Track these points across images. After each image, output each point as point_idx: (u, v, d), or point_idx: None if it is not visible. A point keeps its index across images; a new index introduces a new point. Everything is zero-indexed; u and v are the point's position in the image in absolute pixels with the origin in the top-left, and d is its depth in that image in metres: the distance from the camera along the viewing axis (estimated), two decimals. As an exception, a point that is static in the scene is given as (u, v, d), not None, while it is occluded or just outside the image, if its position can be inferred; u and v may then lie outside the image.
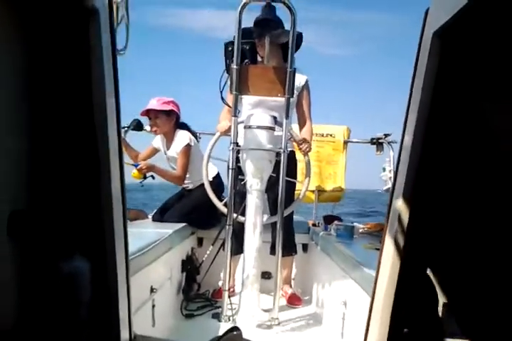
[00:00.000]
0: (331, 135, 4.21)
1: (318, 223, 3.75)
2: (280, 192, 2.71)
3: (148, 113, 3.41)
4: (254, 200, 2.67)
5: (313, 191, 4.08)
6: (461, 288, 1.03)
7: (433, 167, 0.98)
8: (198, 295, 3.20)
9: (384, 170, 3.89)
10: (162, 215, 3.41)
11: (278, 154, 2.70)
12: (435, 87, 0.92)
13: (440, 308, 1.04)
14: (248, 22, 2.85)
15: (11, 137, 0.85)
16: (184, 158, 3.36)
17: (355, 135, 4.38)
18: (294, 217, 3.27)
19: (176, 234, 2.78)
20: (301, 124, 3.17)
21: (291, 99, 2.70)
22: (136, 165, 3.26)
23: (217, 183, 3.34)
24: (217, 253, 3.11)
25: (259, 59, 2.88)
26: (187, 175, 3.44)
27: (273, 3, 2.69)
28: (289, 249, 3.12)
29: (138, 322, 1.79)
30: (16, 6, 0.81)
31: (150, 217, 3.60)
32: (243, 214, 2.75)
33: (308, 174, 3.02)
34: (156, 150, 3.64)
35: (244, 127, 2.72)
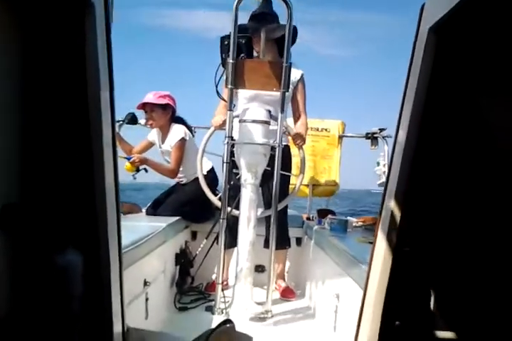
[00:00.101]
0: (325, 129, 4.21)
1: (312, 217, 3.76)
2: (274, 186, 2.71)
3: (144, 106, 3.40)
4: (248, 194, 2.67)
5: (307, 185, 4.09)
6: (453, 282, 1.04)
7: (427, 161, 0.99)
8: (191, 288, 3.21)
9: (378, 164, 3.90)
10: (156, 209, 3.41)
11: (273, 148, 2.70)
12: (430, 82, 0.92)
13: (431, 301, 1.05)
14: (243, 20, 2.86)
15: (3, 130, 0.85)
16: (178, 152, 3.36)
17: (350, 130, 4.39)
18: (288, 211, 3.28)
19: (169, 227, 2.78)
20: (296, 118, 3.17)
21: (287, 94, 2.70)
22: (128, 158, 3.26)
23: (211, 177, 3.34)
24: (211, 246, 3.12)
25: (255, 54, 2.88)
26: (180, 169, 3.43)
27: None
28: (283, 243, 3.13)
29: (131, 315, 1.79)
30: None
31: (144, 210, 3.60)
32: (237, 208, 2.75)
33: (302, 169, 3.03)
34: (151, 144, 3.64)
35: (239, 121, 2.72)
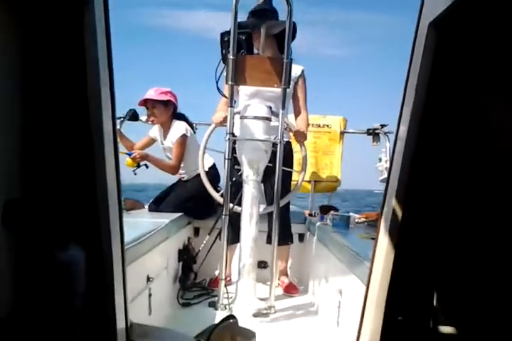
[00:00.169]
0: (327, 125, 4.20)
1: (315, 213, 3.76)
2: (276, 182, 2.71)
3: (145, 103, 3.40)
4: (250, 190, 2.68)
5: (309, 181, 4.09)
6: (455, 277, 1.04)
7: (428, 157, 0.99)
8: (194, 284, 3.22)
9: (380, 160, 3.89)
10: (158, 205, 3.42)
11: (274, 145, 2.70)
12: (431, 77, 0.92)
13: (433, 297, 1.05)
14: (243, 19, 2.86)
15: (4, 127, 0.85)
16: (179, 148, 3.36)
17: (352, 128, 4.38)
18: (290, 207, 3.28)
19: (172, 223, 2.79)
20: (297, 114, 3.17)
21: (288, 90, 2.70)
22: (129, 154, 3.27)
23: (213, 174, 3.34)
24: (214, 242, 3.12)
25: (255, 51, 2.87)
26: (182, 165, 3.44)
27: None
28: (286, 238, 3.13)
29: (134, 311, 1.80)
30: None
31: (146, 207, 3.61)
32: (239, 204, 2.75)
33: (304, 166, 3.03)
34: (152, 140, 3.64)
35: (241, 117, 2.72)
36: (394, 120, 1.07)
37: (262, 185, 2.97)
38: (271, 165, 2.74)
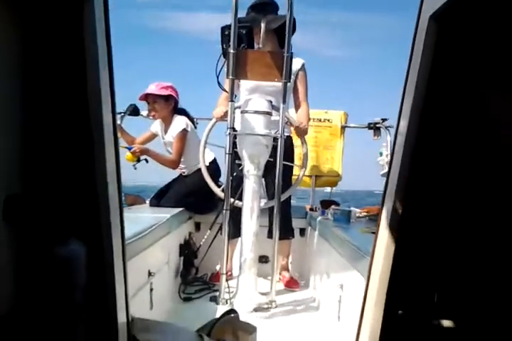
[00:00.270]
0: (328, 120, 4.20)
1: (316, 207, 3.77)
2: (277, 176, 2.71)
3: (146, 97, 3.40)
4: (251, 185, 2.68)
5: (310, 176, 4.09)
6: (455, 271, 1.04)
7: (429, 151, 0.98)
8: (195, 278, 3.23)
9: (381, 154, 3.89)
10: (159, 200, 3.42)
11: (275, 139, 2.70)
12: (431, 71, 0.92)
13: (434, 291, 1.05)
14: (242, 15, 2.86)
15: (4, 123, 0.85)
16: (179, 143, 3.36)
17: (352, 122, 4.37)
18: (291, 202, 3.29)
19: (173, 218, 2.79)
20: (298, 107, 3.16)
21: (288, 84, 2.70)
22: (129, 148, 3.27)
23: (213, 168, 3.34)
24: (215, 237, 3.13)
25: (255, 46, 2.87)
26: (182, 160, 3.44)
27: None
28: (286, 233, 3.14)
29: (136, 306, 1.81)
30: None
31: (147, 202, 3.62)
32: (240, 198, 2.76)
33: (305, 161, 3.03)
34: (154, 135, 3.64)
35: (241, 112, 2.72)
36: (395, 114, 1.06)
37: (263, 179, 2.97)
38: (271, 159, 2.74)
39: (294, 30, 2.69)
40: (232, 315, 1.43)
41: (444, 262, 1.05)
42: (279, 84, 2.67)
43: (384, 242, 1.04)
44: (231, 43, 2.55)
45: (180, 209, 3.16)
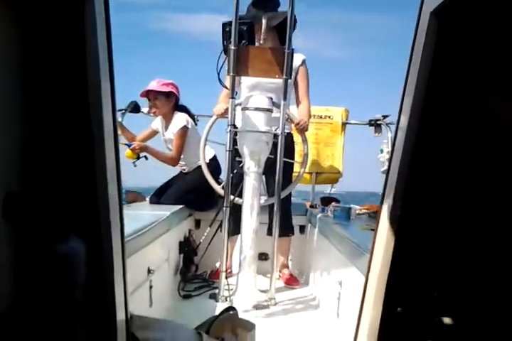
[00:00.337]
0: (329, 117, 4.19)
1: (316, 205, 3.77)
2: (277, 173, 2.71)
3: (147, 94, 3.40)
4: (251, 182, 2.68)
5: (310, 173, 4.08)
6: (454, 268, 1.04)
7: (429, 148, 0.98)
8: (195, 276, 3.23)
9: (382, 151, 3.89)
10: (159, 198, 3.42)
11: (275, 136, 2.70)
12: (432, 67, 0.91)
13: (433, 288, 1.05)
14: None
15: (3, 120, 0.84)
16: (179, 140, 3.36)
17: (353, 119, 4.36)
18: (291, 199, 3.28)
19: (173, 215, 2.79)
20: (299, 103, 3.15)
21: (289, 80, 2.69)
22: (129, 145, 3.26)
23: (214, 165, 3.34)
24: (215, 234, 3.13)
25: (256, 43, 2.86)
26: (182, 157, 3.43)
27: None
28: (286, 230, 3.14)
29: (135, 303, 1.81)
30: None
31: (147, 199, 3.62)
32: (240, 196, 2.76)
33: (305, 158, 3.02)
34: (155, 132, 3.64)
35: (242, 109, 2.71)
36: (395, 111, 1.06)
37: (263, 176, 2.97)
38: (272, 156, 2.73)
39: (294, 27, 2.69)
40: (231, 312, 1.43)
41: (443, 259, 1.05)
42: (279, 81, 2.66)
43: (383, 239, 1.04)
44: (232, 40, 2.54)
45: (181, 206, 3.16)
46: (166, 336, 1.15)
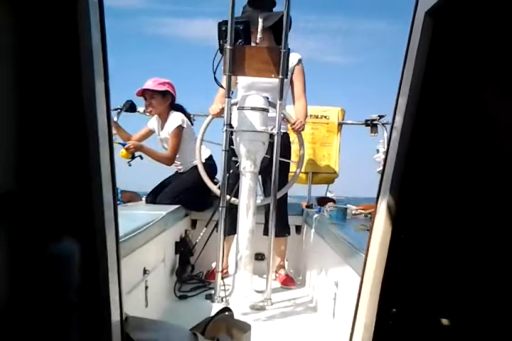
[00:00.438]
0: (325, 117, 4.19)
1: (312, 205, 3.76)
2: (274, 173, 2.71)
3: (143, 93, 3.39)
4: (247, 182, 2.67)
5: (306, 173, 4.08)
6: (449, 269, 1.04)
7: (424, 147, 0.98)
8: (191, 276, 3.22)
9: (378, 151, 3.89)
10: (155, 197, 3.41)
11: (272, 136, 2.69)
12: (427, 67, 0.91)
13: (428, 289, 1.05)
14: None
15: None
16: (175, 139, 3.35)
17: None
18: (287, 198, 3.28)
19: (169, 215, 2.78)
20: (296, 103, 3.15)
21: (285, 80, 2.68)
22: (124, 145, 3.25)
23: (209, 165, 3.33)
24: (211, 234, 3.12)
25: (252, 43, 2.86)
26: (178, 157, 3.43)
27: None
28: (283, 230, 3.14)
29: (131, 304, 1.80)
30: None
31: (143, 199, 3.61)
32: (236, 195, 2.75)
33: (301, 158, 3.02)
34: (150, 132, 3.63)
35: (238, 109, 2.71)
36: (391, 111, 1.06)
37: (259, 176, 2.97)
38: (268, 156, 2.73)
39: (289, 26, 2.69)
40: (227, 313, 1.43)
41: (438, 260, 1.05)
42: (275, 81, 2.65)
43: (378, 240, 1.04)
44: (228, 39, 2.54)
45: (177, 206, 3.15)
46: (161, 337, 1.15)
